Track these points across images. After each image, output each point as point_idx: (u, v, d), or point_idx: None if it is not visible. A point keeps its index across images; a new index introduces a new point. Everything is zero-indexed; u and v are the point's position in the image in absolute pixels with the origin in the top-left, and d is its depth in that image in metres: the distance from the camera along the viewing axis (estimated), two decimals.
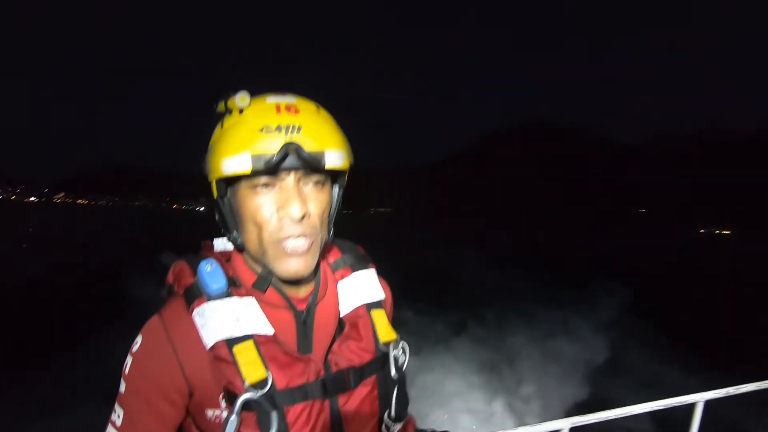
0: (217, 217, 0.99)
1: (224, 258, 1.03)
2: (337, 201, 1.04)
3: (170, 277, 1.00)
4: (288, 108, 0.90)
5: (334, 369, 0.99)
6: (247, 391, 0.86)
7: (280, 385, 0.90)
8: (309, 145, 0.87)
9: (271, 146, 0.85)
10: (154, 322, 0.93)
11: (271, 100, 0.92)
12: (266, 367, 0.88)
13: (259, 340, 0.91)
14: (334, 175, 1.00)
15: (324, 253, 1.11)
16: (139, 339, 0.93)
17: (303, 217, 0.91)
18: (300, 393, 0.92)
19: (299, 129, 0.87)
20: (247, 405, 0.87)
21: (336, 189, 1.03)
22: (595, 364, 11.77)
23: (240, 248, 1.00)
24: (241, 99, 0.90)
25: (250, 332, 0.90)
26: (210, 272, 0.94)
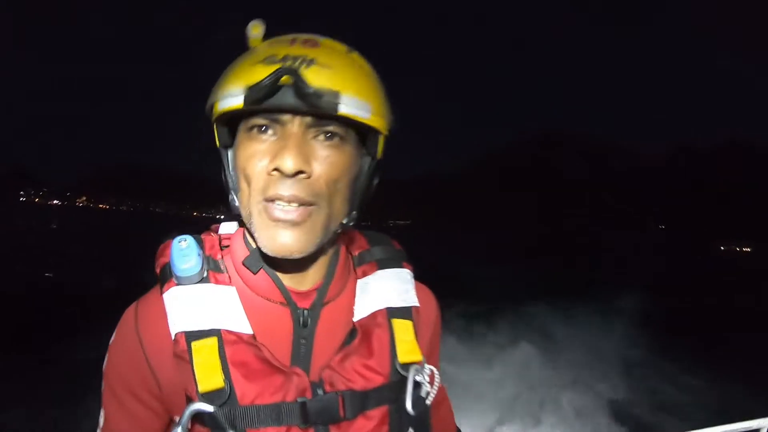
0: (222, 176, 0.83)
1: (224, 241, 0.88)
2: (367, 174, 0.81)
3: (156, 258, 0.84)
4: (306, 42, 0.74)
5: (328, 389, 0.76)
6: (199, 400, 0.69)
7: (245, 399, 0.70)
8: (317, 80, 0.67)
9: (267, 74, 0.67)
10: (129, 311, 0.82)
11: (292, 35, 0.76)
12: (226, 374, 0.70)
13: (227, 339, 0.73)
14: (364, 140, 0.79)
15: (347, 241, 0.92)
16: (115, 332, 0.82)
17: (298, 174, 0.70)
18: (271, 414, 0.71)
19: (310, 62, 0.69)
20: (200, 418, 0.70)
21: (367, 160, 0.81)
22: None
23: (236, 213, 0.81)
24: (253, 28, 0.76)
25: (215, 326, 0.73)
26: (182, 250, 0.77)
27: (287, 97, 0.68)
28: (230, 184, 0.80)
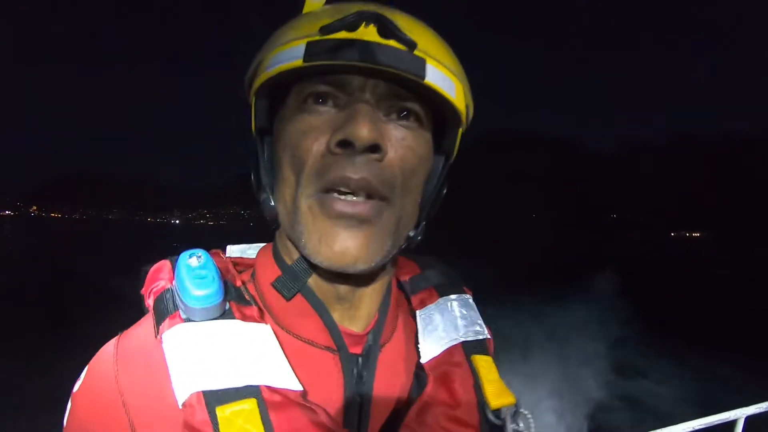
0: (252, 171, 0.61)
1: (239, 269, 0.66)
2: (440, 176, 0.63)
3: (145, 284, 0.60)
4: (381, 4, 0.55)
5: None
6: None
7: None
8: (406, 29, 0.51)
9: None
10: (105, 352, 0.56)
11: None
12: None
13: (270, 401, 0.50)
14: (438, 133, 0.61)
15: (396, 266, 0.69)
16: (82, 375, 0.57)
17: (371, 152, 0.51)
18: None
19: (392, 22, 0.50)
20: None
21: (440, 159, 0.63)
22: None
23: (271, 216, 0.59)
24: None
25: (253, 383, 0.50)
26: (194, 269, 0.53)
27: (369, 51, 0.50)
28: (264, 180, 0.59)
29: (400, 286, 0.74)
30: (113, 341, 0.57)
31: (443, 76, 0.54)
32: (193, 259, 0.54)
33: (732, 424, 2.24)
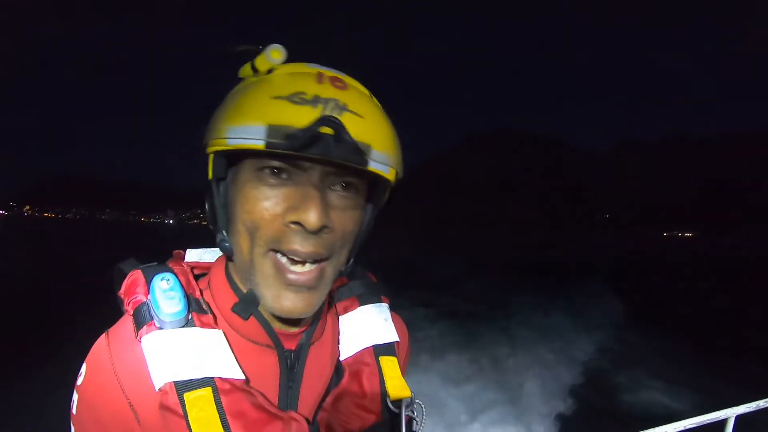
0: (207, 207, 0.72)
1: (196, 272, 0.80)
2: (369, 221, 0.77)
3: (122, 290, 0.73)
4: (334, 80, 0.65)
5: None
6: None
7: None
8: (354, 130, 0.61)
9: (300, 118, 0.59)
10: (98, 348, 0.70)
11: (313, 66, 0.68)
12: (226, 426, 0.64)
13: (221, 388, 0.66)
14: (370, 189, 0.73)
15: None
16: (83, 369, 0.70)
17: (322, 230, 0.64)
18: None
19: (343, 108, 0.61)
20: None
21: (369, 208, 0.76)
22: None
23: (228, 255, 0.72)
24: (273, 53, 0.66)
25: (209, 375, 0.66)
26: (165, 291, 0.69)
27: (326, 149, 0.59)
28: (219, 221, 0.70)
29: (331, 293, 0.87)
30: (103, 338, 0.70)
31: (383, 157, 0.64)
32: (164, 282, 0.69)
33: (722, 423, 2.27)
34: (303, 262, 0.65)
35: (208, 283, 0.78)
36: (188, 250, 0.84)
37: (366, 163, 0.62)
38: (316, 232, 0.63)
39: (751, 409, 2.33)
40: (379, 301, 0.91)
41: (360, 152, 0.61)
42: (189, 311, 0.69)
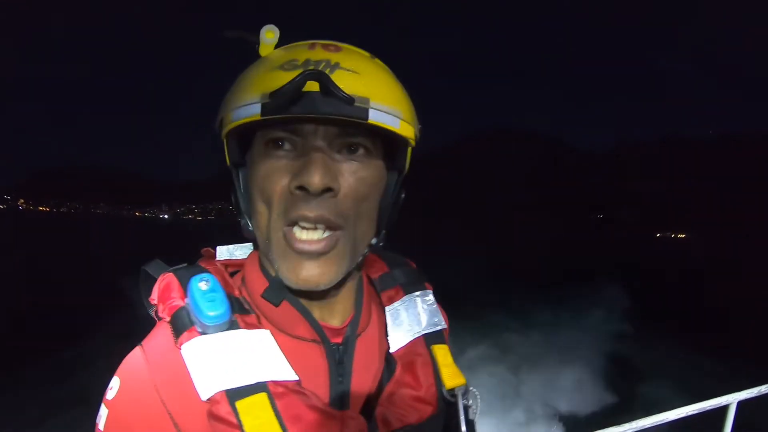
0: (232, 197, 0.73)
1: (230, 270, 0.79)
2: (394, 191, 0.74)
3: (154, 295, 0.71)
4: (326, 46, 0.66)
5: (382, 429, 0.71)
6: None
7: None
8: (346, 84, 0.59)
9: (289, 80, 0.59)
10: (134, 359, 0.67)
11: (311, 41, 0.69)
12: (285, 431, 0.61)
13: (275, 392, 0.63)
14: (389, 154, 0.71)
15: (366, 266, 0.85)
16: (115, 383, 0.66)
17: (325, 192, 0.62)
18: None
19: (335, 66, 0.62)
20: None
21: (391, 175, 0.73)
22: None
23: (252, 239, 0.72)
24: (266, 34, 0.67)
25: (261, 379, 0.63)
26: (205, 293, 0.65)
27: (313, 104, 0.59)
28: (242, 207, 0.71)
29: (373, 283, 0.86)
30: (137, 351, 0.67)
31: (387, 110, 0.63)
32: (203, 284, 0.65)
33: (725, 408, 2.29)
34: (314, 229, 0.64)
35: (242, 279, 0.76)
36: (218, 248, 0.81)
37: (365, 115, 0.61)
38: (320, 194, 0.62)
39: (752, 395, 2.35)
40: (423, 288, 0.89)
41: (355, 105, 0.60)
42: (232, 313, 0.67)
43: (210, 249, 0.81)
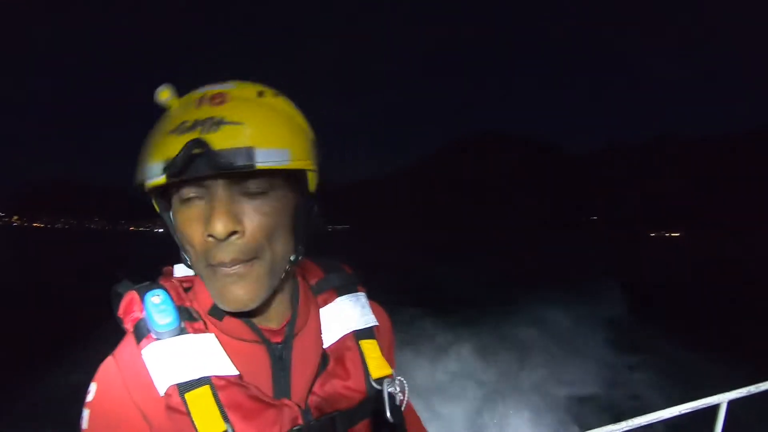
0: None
1: (185, 285, 0.87)
2: (303, 210, 0.81)
3: (120, 311, 0.81)
4: (213, 98, 0.71)
5: (316, 414, 0.82)
6: None
7: None
8: (226, 142, 0.65)
9: (180, 147, 0.66)
10: (107, 366, 0.78)
11: (202, 90, 0.74)
12: (225, 419, 0.72)
13: (217, 385, 0.74)
14: (294, 179, 0.78)
15: (303, 271, 0.96)
16: (92, 388, 0.77)
17: (231, 236, 0.70)
18: None
19: (219, 123, 0.67)
20: None
21: (301, 198, 0.81)
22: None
23: (191, 268, 0.82)
24: (160, 94, 0.74)
25: (205, 374, 0.74)
26: (157, 305, 0.76)
27: (205, 166, 0.66)
28: (178, 244, 0.80)
29: (311, 287, 0.96)
30: (110, 359, 0.78)
31: (275, 152, 0.69)
32: (155, 298, 0.77)
33: (715, 408, 2.33)
34: (231, 267, 0.72)
35: (195, 293, 0.86)
36: (176, 266, 0.89)
37: (252, 162, 0.66)
38: (227, 238, 0.70)
39: (742, 395, 2.39)
40: (356, 290, 0.98)
41: (234, 160, 0.65)
42: (181, 321, 0.77)
43: (170, 267, 0.89)
